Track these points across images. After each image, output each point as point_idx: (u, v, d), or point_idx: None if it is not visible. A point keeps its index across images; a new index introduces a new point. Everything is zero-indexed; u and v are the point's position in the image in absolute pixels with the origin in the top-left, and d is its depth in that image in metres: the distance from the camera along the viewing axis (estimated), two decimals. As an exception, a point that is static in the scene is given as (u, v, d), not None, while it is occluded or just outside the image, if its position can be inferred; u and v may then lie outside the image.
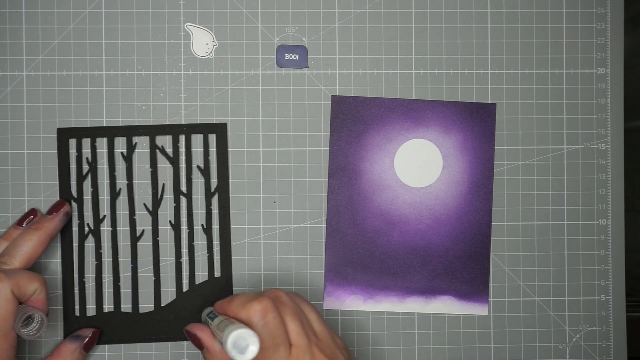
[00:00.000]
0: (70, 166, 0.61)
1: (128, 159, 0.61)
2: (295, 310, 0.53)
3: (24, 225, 0.59)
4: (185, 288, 0.62)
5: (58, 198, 0.61)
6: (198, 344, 0.53)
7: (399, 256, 0.63)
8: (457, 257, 0.63)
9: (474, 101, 0.63)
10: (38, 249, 0.58)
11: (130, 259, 0.62)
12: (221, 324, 0.51)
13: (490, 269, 0.63)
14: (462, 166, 0.63)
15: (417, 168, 0.63)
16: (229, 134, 0.62)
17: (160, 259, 0.62)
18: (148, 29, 0.62)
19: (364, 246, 0.63)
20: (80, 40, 0.62)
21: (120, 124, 0.62)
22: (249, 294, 0.53)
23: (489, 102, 0.63)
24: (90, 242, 0.62)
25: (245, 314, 0.51)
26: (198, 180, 0.62)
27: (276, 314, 0.51)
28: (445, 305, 0.63)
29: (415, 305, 0.63)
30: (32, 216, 0.59)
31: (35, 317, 0.54)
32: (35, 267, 0.61)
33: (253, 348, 0.49)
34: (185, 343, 0.62)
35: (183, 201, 0.62)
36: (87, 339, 0.59)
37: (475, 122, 0.63)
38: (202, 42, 0.62)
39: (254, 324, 0.50)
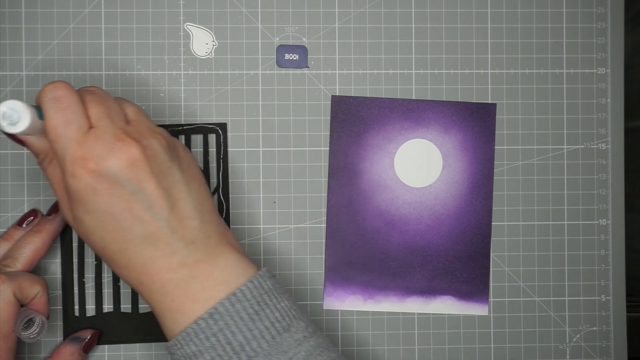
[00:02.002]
0: (70, 166, 0.61)
1: (128, 158, 0.61)
2: (103, 97, 0.50)
3: (24, 225, 0.59)
4: (185, 288, 0.62)
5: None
6: (18, 140, 0.51)
7: (399, 256, 0.63)
8: (457, 257, 0.63)
9: (474, 101, 0.63)
10: (40, 251, 0.58)
11: (130, 259, 0.62)
12: None
13: (490, 269, 0.63)
14: (462, 166, 0.63)
15: (417, 168, 0.63)
16: (229, 134, 0.62)
17: (160, 259, 0.62)
18: (148, 29, 0.62)
19: (364, 246, 0.63)
20: (80, 40, 0.62)
21: (120, 124, 0.62)
22: None
23: (489, 102, 0.63)
24: (90, 242, 0.62)
25: (39, 96, 0.49)
26: (198, 180, 0.62)
27: (69, 93, 0.48)
28: (445, 305, 0.63)
29: (415, 305, 0.63)
30: (32, 217, 0.59)
31: (36, 320, 0.54)
32: (35, 267, 0.61)
33: (24, 118, 0.47)
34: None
35: (183, 201, 0.62)
36: (86, 341, 0.59)
37: (475, 122, 0.63)
38: (202, 42, 0.62)
39: (43, 103, 0.48)
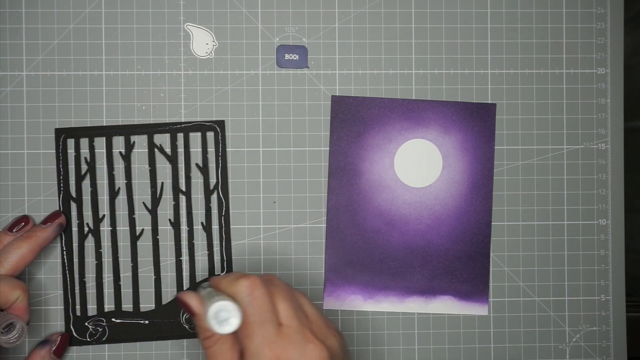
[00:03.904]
0: (69, 166, 0.61)
1: (126, 158, 0.62)
2: (287, 292, 0.52)
3: (14, 231, 0.59)
4: (185, 286, 0.62)
5: (57, 198, 0.61)
6: (189, 310, 0.53)
7: (399, 256, 0.63)
8: (457, 257, 0.63)
9: (474, 101, 0.63)
10: (27, 258, 0.57)
11: (130, 258, 0.62)
12: (208, 294, 0.52)
13: (490, 269, 0.63)
14: (462, 166, 0.63)
15: (417, 168, 0.63)
16: (229, 133, 0.62)
17: (161, 257, 0.62)
18: (148, 29, 0.62)
19: (364, 246, 0.63)
20: (80, 40, 0.62)
21: (120, 124, 0.62)
22: (242, 273, 0.54)
23: (489, 102, 0.63)
24: (90, 242, 0.62)
25: (233, 289, 0.51)
26: (198, 179, 0.62)
27: (264, 291, 0.51)
28: (445, 305, 0.63)
29: (415, 305, 0.63)
30: (23, 223, 0.59)
31: (16, 325, 0.54)
32: (34, 267, 0.61)
33: (234, 320, 0.49)
34: (185, 342, 0.62)
35: (182, 200, 0.62)
36: (56, 344, 0.59)
37: (475, 122, 0.63)
38: (202, 42, 0.62)
39: (240, 299, 0.50)
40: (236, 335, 0.51)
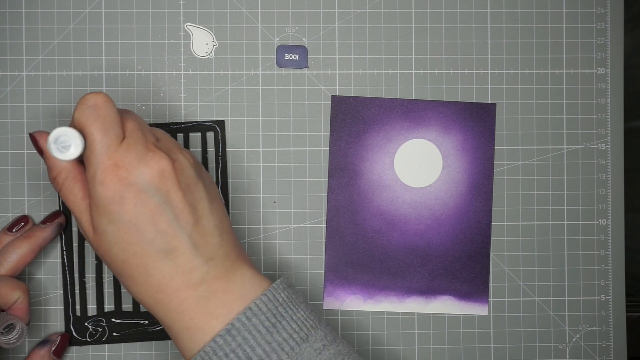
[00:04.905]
0: (70, 166, 0.61)
1: (127, 158, 0.62)
2: (137, 117, 0.51)
3: (14, 230, 0.59)
4: (185, 288, 0.62)
5: (57, 198, 0.61)
6: (38, 148, 0.52)
7: (399, 256, 0.63)
8: (457, 257, 0.63)
9: (474, 101, 0.63)
10: (26, 258, 0.57)
11: (130, 259, 0.62)
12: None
13: (490, 269, 0.63)
14: (462, 166, 0.63)
15: (417, 168, 0.63)
16: (229, 133, 0.62)
17: (160, 258, 0.62)
18: (148, 29, 0.62)
19: (364, 246, 0.63)
20: (80, 40, 0.62)
21: (120, 124, 0.62)
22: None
23: (489, 102, 0.63)
24: (90, 242, 0.62)
25: (79, 105, 0.49)
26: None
27: (110, 103, 0.49)
28: (445, 305, 0.63)
29: (415, 305, 0.63)
30: (22, 223, 0.59)
31: (16, 326, 0.54)
32: (34, 267, 0.61)
33: (75, 148, 0.48)
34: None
35: (183, 201, 0.62)
36: (56, 344, 0.59)
37: (475, 122, 0.63)
38: (202, 42, 0.62)
39: (83, 110, 0.49)
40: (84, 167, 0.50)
